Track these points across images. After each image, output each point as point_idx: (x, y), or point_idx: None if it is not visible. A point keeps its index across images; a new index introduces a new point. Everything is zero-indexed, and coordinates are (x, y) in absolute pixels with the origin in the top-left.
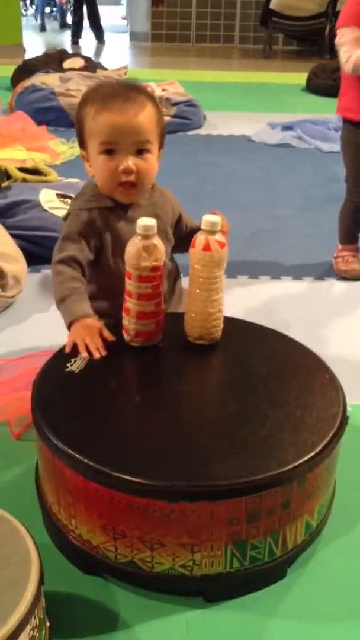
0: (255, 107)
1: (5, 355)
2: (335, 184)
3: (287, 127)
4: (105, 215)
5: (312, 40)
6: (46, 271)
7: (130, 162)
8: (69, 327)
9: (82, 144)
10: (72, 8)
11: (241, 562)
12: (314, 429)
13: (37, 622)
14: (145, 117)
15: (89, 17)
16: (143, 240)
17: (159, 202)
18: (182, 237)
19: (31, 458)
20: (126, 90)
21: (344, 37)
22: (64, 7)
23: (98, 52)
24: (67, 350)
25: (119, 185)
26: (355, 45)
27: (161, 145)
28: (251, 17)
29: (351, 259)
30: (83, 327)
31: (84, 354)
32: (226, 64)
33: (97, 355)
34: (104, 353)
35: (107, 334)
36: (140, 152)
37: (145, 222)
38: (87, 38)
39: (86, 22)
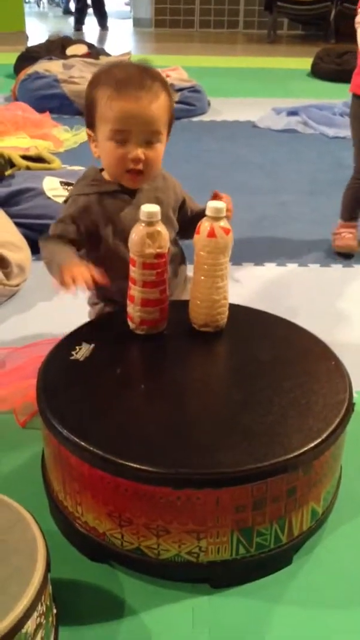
0: (260, 92)
1: (10, 344)
2: (341, 170)
3: (292, 113)
4: (103, 199)
5: (317, 25)
6: None
7: (140, 151)
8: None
9: (91, 125)
10: None
11: (247, 549)
12: (319, 416)
13: (44, 608)
14: (158, 107)
15: (93, 3)
16: (147, 227)
17: (161, 186)
18: (186, 221)
19: (37, 446)
20: (141, 77)
21: None
22: None
23: (101, 39)
24: (54, 287)
25: (127, 172)
26: None
27: (169, 132)
28: (255, 2)
29: (348, 235)
30: (70, 266)
31: (68, 288)
32: (230, 49)
33: (87, 284)
34: (94, 281)
35: (96, 275)
36: (149, 141)
37: (149, 208)
38: (90, 24)
39: (89, 9)
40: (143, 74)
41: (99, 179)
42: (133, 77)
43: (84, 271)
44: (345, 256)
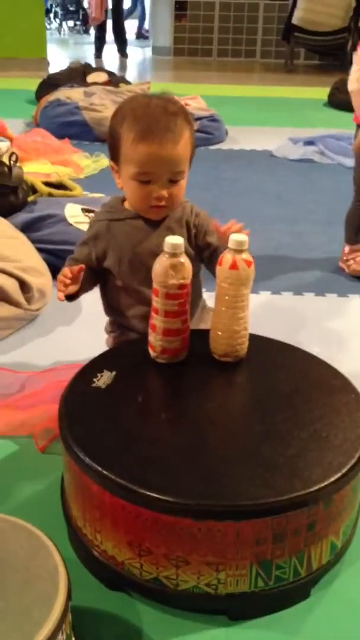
0: (276, 121)
1: (29, 368)
2: None
3: (309, 142)
4: (112, 226)
5: (334, 55)
6: None
7: (164, 191)
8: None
9: (115, 159)
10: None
11: (266, 582)
12: (340, 450)
13: (65, 637)
14: (182, 148)
15: (115, 30)
16: (170, 258)
17: (175, 215)
18: (204, 254)
19: (56, 471)
20: (165, 116)
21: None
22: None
23: (121, 66)
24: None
25: (150, 207)
26: None
27: (191, 163)
28: (273, 32)
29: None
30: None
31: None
32: (248, 78)
33: (62, 285)
34: (63, 292)
35: (75, 268)
36: (173, 180)
37: (173, 240)
38: (110, 51)
39: (109, 36)
40: (166, 112)
41: (114, 206)
42: (157, 117)
43: (63, 271)
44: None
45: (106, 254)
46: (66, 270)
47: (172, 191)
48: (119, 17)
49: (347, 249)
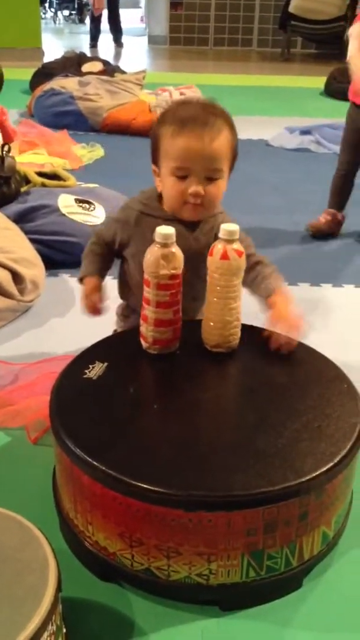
0: (273, 111)
1: (22, 360)
2: (354, 190)
3: (305, 132)
4: (142, 219)
5: (331, 44)
6: (64, 276)
7: (200, 187)
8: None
9: (155, 161)
10: (90, 10)
11: (257, 572)
12: (332, 440)
13: (54, 628)
14: (220, 144)
15: (110, 19)
16: (162, 248)
17: (205, 227)
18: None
19: (48, 463)
20: (205, 114)
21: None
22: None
23: (116, 56)
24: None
25: (185, 204)
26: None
27: (232, 168)
28: (270, 21)
29: (323, 220)
30: (83, 288)
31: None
32: (244, 67)
33: (88, 313)
34: (98, 312)
35: (98, 294)
36: (210, 177)
37: (164, 230)
38: (105, 40)
39: (104, 25)
40: (206, 111)
41: (150, 199)
42: (197, 114)
43: (85, 299)
44: (314, 237)
45: (129, 242)
46: (96, 298)
47: (209, 189)
48: (114, 5)
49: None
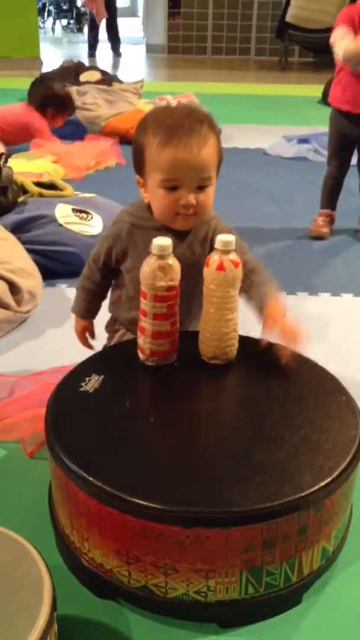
0: (270, 119)
1: (19, 372)
2: (351, 198)
3: (303, 140)
4: (133, 230)
5: (328, 52)
6: (61, 286)
7: (192, 197)
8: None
9: (140, 172)
10: (89, 19)
11: (256, 589)
12: (330, 454)
13: None
14: (208, 152)
15: (108, 29)
16: (158, 260)
17: (198, 233)
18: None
19: (44, 477)
20: (190, 121)
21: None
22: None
23: (114, 65)
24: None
25: (177, 215)
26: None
27: (218, 172)
28: (267, 30)
29: (322, 222)
30: (75, 327)
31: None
32: (242, 76)
33: (87, 348)
34: (88, 347)
35: (87, 334)
36: (201, 186)
37: (161, 242)
38: (103, 49)
39: (102, 34)
40: (191, 118)
41: (140, 210)
42: (181, 122)
43: (78, 337)
44: (315, 239)
45: (126, 255)
46: (84, 338)
47: (200, 198)
48: (112, 14)
49: (319, 211)
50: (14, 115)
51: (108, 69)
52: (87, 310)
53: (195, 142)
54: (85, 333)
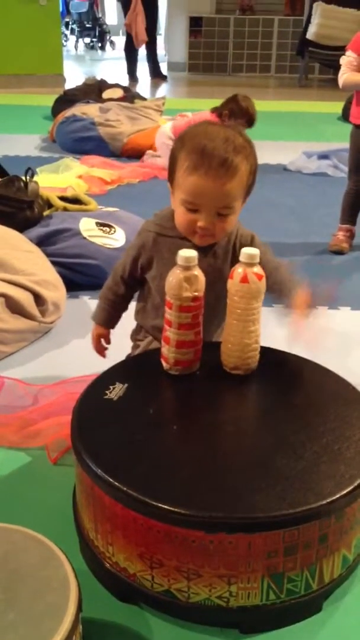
0: (291, 136)
1: (43, 381)
2: None
3: (323, 156)
4: (158, 239)
5: None
6: (84, 298)
7: (209, 222)
8: None
9: (170, 180)
10: (125, 42)
11: (277, 595)
12: (352, 462)
13: None
14: (234, 185)
15: (148, 52)
16: (184, 271)
17: (222, 242)
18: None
19: (68, 483)
20: (225, 149)
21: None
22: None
23: (156, 86)
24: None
25: (194, 232)
26: (349, 67)
27: (249, 194)
28: (287, 47)
29: (342, 237)
30: (92, 332)
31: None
32: (262, 93)
33: (101, 356)
34: (102, 355)
35: (102, 342)
36: (221, 214)
37: (186, 253)
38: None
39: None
40: (227, 145)
41: (165, 220)
42: (214, 151)
43: (94, 345)
44: (337, 253)
45: (151, 264)
46: (99, 345)
47: (218, 223)
48: (153, 38)
49: (338, 226)
50: None
51: (155, 91)
52: (107, 320)
53: (223, 174)
54: (100, 339)
